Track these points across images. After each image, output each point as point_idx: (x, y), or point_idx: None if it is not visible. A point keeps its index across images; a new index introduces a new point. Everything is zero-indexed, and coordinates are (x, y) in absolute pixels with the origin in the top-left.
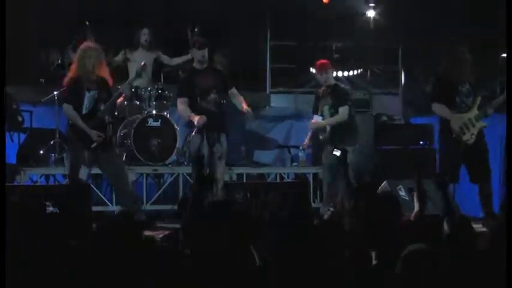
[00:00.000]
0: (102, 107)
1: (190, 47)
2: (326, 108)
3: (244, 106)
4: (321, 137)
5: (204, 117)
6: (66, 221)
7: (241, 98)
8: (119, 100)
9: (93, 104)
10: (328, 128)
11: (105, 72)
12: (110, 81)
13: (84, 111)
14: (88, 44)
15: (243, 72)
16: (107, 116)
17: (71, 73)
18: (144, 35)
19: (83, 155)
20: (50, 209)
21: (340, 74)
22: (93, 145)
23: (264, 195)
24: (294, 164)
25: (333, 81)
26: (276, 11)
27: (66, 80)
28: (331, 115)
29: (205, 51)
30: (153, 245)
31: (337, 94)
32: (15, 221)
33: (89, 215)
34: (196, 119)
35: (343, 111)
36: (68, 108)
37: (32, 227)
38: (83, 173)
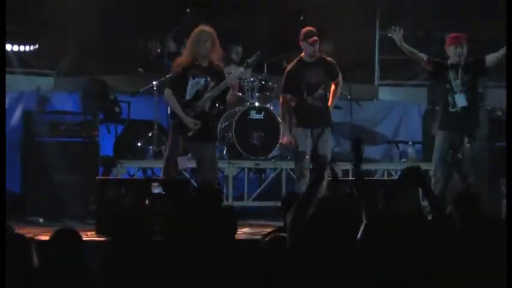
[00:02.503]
0: (206, 96)
1: (299, 39)
2: (458, 84)
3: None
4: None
5: (291, 140)
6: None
7: (338, 90)
8: (231, 92)
9: (198, 91)
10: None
11: (219, 59)
12: (223, 69)
13: (186, 98)
14: (203, 26)
15: (350, 63)
16: (208, 106)
17: (180, 58)
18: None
19: (179, 143)
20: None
21: None
22: (190, 133)
23: (372, 192)
24: (403, 160)
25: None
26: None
27: (174, 64)
28: (466, 92)
29: (317, 45)
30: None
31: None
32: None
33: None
34: (285, 140)
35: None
36: (168, 93)
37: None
38: (183, 162)
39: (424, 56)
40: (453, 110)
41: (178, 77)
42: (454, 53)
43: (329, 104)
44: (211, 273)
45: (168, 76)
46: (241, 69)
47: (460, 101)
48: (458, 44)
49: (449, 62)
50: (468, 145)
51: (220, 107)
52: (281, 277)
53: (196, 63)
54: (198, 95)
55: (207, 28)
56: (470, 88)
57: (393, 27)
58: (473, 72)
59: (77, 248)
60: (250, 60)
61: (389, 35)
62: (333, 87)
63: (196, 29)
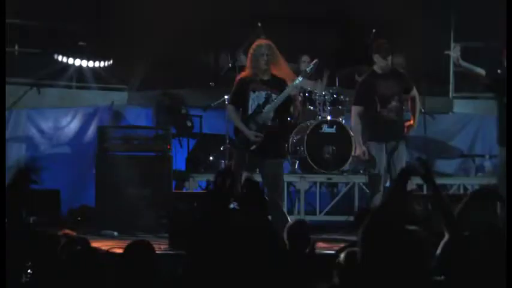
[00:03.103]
0: (266, 108)
1: (371, 52)
2: None
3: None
4: None
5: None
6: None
7: (417, 103)
8: (296, 104)
9: (259, 105)
10: None
11: (282, 72)
12: (288, 82)
13: (249, 113)
14: (261, 40)
15: (423, 75)
16: (271, 119)
17: (241, 73)
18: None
19: (244, 158)
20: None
21: None
22: (253, 147)
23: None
24: (479, 174)
25: None
26: (462, 10)
27: (235, 80)
28: None
29: (390, 58)
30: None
31: None
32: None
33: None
34: (357, 151)
35: None
36: (230, 108)
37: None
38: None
39: (480, 72)
40: None
41: (239, 92)
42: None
43: (411, 122)
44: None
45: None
46: (300, 78)
47: None
48: None
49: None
50: None
51: (286, 120)
52: None
53: (257, 77)
54: (259, 108)
55: (264, 41)
56: None
57: (453, 44)
58: None
59: (150, 260)
60: (308, 69)
61: (445, 52)
62: (410, 102)
63: (253, 44)
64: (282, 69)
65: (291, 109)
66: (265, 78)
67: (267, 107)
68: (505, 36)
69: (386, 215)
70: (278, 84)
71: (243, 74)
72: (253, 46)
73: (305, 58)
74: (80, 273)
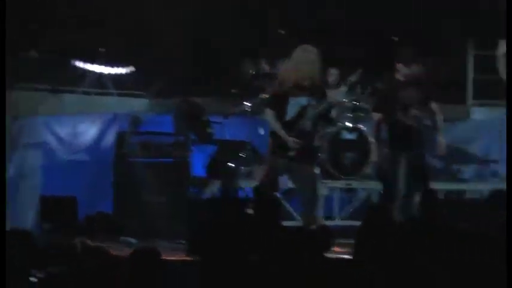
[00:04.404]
0: (307, 116)
1: (394, 60)
2: None
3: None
4: None
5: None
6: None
7: (440, 117)
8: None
9: (299, 111)
10: None
11: (321, 78)
12: (325, 89)
13: (287, 118)
14: (308, 46)
15: (442, 82)
16: (310, 125)
17: (281, 76)
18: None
19: (278, 163)
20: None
21: None
22: (291, 153)
23: (464, 212)
24: (495, 179)
25: None
26: (482, 18)
27: (275, 83)
28: None
29: (412, 65)
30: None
31: None
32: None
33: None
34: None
35: None
36: (268, 113)
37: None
38: (283, 183)
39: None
40: None
41: (278, 96)
42: None
43: (439, 133)
44: None
45: (265, 96)
46: (344, 88)
47: None
48: None
49: None
50: None
51: (325, 127)
52: None
53: (298, 82)
54: (298, 114)
55: (312, 48)
56: None
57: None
58: None
59: (155, 267)
60: (352, 79)
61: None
62: (430, 111)
63: (299, 48)
64: (319, 77)
65: (331, 116)
66: (306, 84)
67: (308, 114)
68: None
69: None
70: (318, 91)
71: (284, 78)
72: (300, 50)
73: (333, 71)
74: (94, 279)
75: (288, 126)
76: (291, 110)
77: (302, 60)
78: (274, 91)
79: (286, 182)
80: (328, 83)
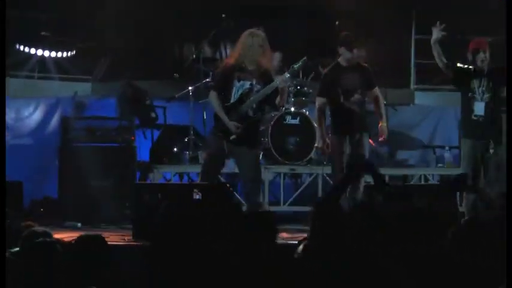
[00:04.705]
0: (250, 99)
1: (336, 44)
2: (481, 91)
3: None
4: None
5: (327, 145)
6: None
7: (381, 103)
8: (281, 97)
9: (242, 95)
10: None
11: (268, 63)
12: (272, 73)
13: (231, 101)
14: (255, 30)
15: (385, 68)
16: (253, 110)
17: (227, 60)
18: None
19: (221, 146)
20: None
21: None
22: (232, 137)
23: (408, 198)
24: (440, 165)
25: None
26: (422, 3)
27: (220, 66)
28: (489, 99)
29: (355, 50)
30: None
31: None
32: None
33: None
34: (320, 144)
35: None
36: (212, 95)
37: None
38: (229, 166)
39: (444, 62)
40: (475, 117)
41: (223, 79)
42: (476, 58)
43: (382, 119)
44: (252, 277)
45: (206, 80)
46: (287, 74)
47: (481, 108)
48: (480, 49)
49: (471, 68)
50: (492, 152)
51: (268, 112)
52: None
53: (243, 66)
54: (242, 98)
55: (259, 32)
56: (494, 95)
57: (438, 22)
58: (497, 78)
59: (101, 254)
60: (296, 66)
61: (432, 27)
62: (374, 104)
63: (247, 32)
64: (268, 61)
65: (276, 101)
66: (251, 68)
67: (251, 99)
68: (504, 36)
69: (331, 205)
70: (264, 75)
71: (229, 62)
72: (247, 34)
73: (277, 55)
74: (40, 264)
75: (232, 110)
76: (236, 94)
77: (251, 45)
78: (219, 75)
79: (232, 166)
80: (272, 68)
